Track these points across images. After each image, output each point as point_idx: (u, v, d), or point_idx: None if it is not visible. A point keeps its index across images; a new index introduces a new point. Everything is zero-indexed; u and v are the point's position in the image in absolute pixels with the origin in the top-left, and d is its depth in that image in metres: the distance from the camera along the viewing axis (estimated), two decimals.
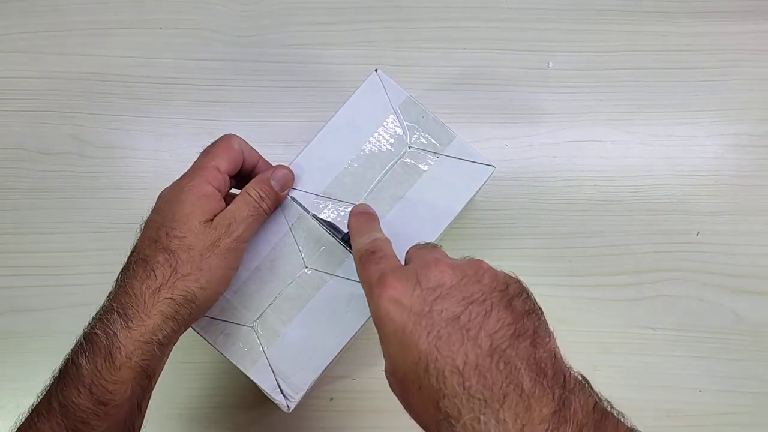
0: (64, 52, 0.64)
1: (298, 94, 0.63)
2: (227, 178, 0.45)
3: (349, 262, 0.48)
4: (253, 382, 0.47)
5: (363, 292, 0.37)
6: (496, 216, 0.60)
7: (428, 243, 0.39)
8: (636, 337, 0.58)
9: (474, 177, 0.49)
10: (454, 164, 0.49)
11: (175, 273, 0.40)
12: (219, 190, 0.44)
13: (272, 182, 0.46)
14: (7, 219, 0.60)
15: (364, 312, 0.47)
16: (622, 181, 0.61)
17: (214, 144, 0.46)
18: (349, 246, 0.44)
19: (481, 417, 0.27)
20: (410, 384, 0.31)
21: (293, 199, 0.48)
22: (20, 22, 0.64)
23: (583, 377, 0.30)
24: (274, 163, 0.48)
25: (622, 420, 0.29)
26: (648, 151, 0.62)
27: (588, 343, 0.58)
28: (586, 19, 0.64)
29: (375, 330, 0.34)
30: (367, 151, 0.50)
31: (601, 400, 0.29)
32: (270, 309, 0.48)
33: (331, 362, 0.47)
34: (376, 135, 0.50)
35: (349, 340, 0.47)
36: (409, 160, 0.50)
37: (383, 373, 0.34)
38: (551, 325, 0.32)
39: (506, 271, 0.34)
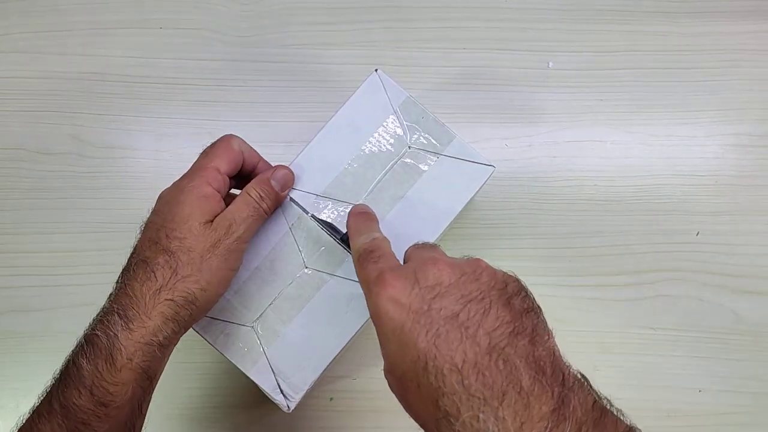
0: (64, 52, 0.64)
1: (298, 94, 0.63)
2: (227, 178, 0.45)
3: (349, 262, 0.48)
4: (253, 382, 0.47)
5: (363, 292, 0.37)
6: (496, 216, 0.60)
7: (427, 242, 0.39)
8: (636, 337, 0.58)
9: (474, 177, 0.49)
10: (454, 164, 0.49)
11: (176, 274, 0.40)
12: (219, 191, 0.44)
13: (273, 182, 0.46)
14: (7, 219, 0.60)
15: (364, 312, 0.47)
16: (622, 181, 0.61)
17: (213, 145, 0.46)
18: (348, 246, 0.44)
19: (480, 415, 0.27)
20: (409, 383, 0.31)
21: (292, 199, 0.48)
22: (20, 22, 0.64)
23: (582, 375, 0.30)
24: (274, 163, 0.48)
25: (621, 418, 0.29)
26: (648, 151, 0.62)
27: (588, 343, 0.58)
28: (586, 19, 0.64)
29: (375, 330, 0.34)
30: (367, 151, 0.50)
31: (600, 398, 0.29)
32: (270, 309, 0.48)
33: (331, 362, 0.47)
34: (376, 135, 0.50)
35: (349, 340, 0.47)
36: (409, 160, 0.50)
37: (383, 372, 0.34)
38: (551, 325, 0.32)
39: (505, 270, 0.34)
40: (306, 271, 0.48)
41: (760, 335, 0.58)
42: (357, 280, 0.38)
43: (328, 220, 0.48)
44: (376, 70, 0.51)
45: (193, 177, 0.44)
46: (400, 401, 0.33)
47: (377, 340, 0.34)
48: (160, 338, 0.40)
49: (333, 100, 0.59)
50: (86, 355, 0.38)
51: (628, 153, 0.61)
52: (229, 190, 0.47)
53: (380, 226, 0.44)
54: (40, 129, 0.62)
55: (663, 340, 0.58)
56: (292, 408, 0.46)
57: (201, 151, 0.46)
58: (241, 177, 0.48)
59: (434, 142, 0.50)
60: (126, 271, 0.42)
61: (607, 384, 0.31)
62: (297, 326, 0.47)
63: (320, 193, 0.49)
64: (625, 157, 0.61)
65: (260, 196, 0.45)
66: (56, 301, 0.58)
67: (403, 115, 0.50)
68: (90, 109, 0.62)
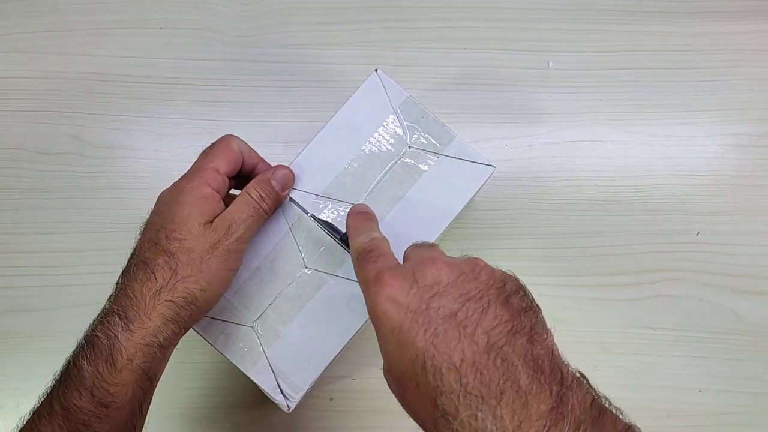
0: (64, 52, 0.64)
1: (298, 94, 0.63)
2: (226, 179, 0.45)
3: (349, 262, 0.47)
4: (253, 382, 0.47)
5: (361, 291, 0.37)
6: (496, 216, 0.60)
7: (425, 242, 0.39)
8: (636, 337, 0.58)
9: (474, 177, 0.49)
10: (454, 164, 0.49)
11: (176, 275, 0.41)
12: (218, 192, 0.44)
13: (273, 182, 0.46)
14: (7, 219, 0.60)
15: (364, 312, 0.47)
16: (622, 181, 0.61)
17: (213, 145, 0.46)
18: (348, 246, 0.44)
19: (479, 414, 0.27)
20: (407, 382, 0.31)
21: (292, 199, 0.48)
22: (20, 22, 0.64)
23: (581, 374, 0.30)
24: (274, 163, 0.48)
25: (620, 416, 0.29)
26: (648, 151, 0.62)
27: (588, 343, 0.57)
28: (586, 19, 0.64)
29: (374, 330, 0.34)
30: (367, 151, 0.50)
31: (599, 396, 0.29)
32: (270, 309, 0.48)
33: (331, 362, 0.47)
34: (376, 135, 0.50)
35: (349, 340, 0.47)
36: (409, 160, 0.50)
37: (382, 372, 0.34)
38: (551, 325, 0.32)
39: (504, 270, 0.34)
40: (306, 271, 0.48)
41: (760, 335, 0.58)
42: (357, 279, 0.38)
43: (328, 220, 0.48)
44: (376, 70, 0.51)
45: (192, 178, 0.44)
46: (399, 401, 0.33)
47: (377, 340, 0.34)
48: (161, 339, 0.40)
49: (333, 100, 0.59)
50: (87, 356, 0.38)
51: (628, 153, 0.61)
52: (229, 190, 0.47)
53: (380, 226, 0.44)
54: (40, 129, 0.62)
55: (663, 340, 0.58)
56: (292, 408, 0.46)
57: (201, 152, 0.46)
58: (241, 177, 0.48)
59: (434, 142, 0.50)
60: (126, 272, 0.42)
61: (607, 384, 0.31)
62: (297, 326, 0.47)
63: (320, 193, 0.49)
64: (625, 157, 0.61)
65: (260, 196, 0.45)
66: (56, 301, 0.58)
67: (403, 115, 0.50)
68: (90, 109, 0.62)
